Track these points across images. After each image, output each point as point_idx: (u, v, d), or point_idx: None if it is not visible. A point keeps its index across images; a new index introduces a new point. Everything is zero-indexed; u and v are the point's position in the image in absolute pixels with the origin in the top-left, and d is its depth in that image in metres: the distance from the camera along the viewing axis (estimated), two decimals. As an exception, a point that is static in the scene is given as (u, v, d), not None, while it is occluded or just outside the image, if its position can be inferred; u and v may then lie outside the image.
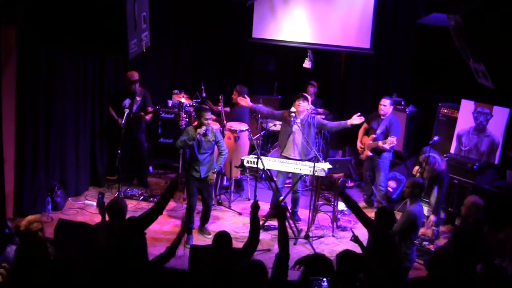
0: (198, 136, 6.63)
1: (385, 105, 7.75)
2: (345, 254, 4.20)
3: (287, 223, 6.95)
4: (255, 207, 4.95)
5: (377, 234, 5.06)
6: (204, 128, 6.62)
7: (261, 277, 4.01)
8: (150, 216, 5.13)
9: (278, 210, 5.09)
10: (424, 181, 6.37)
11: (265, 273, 4.04)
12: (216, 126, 7.58)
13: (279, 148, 7.54)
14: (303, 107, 7.20)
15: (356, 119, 7.20)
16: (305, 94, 7.44)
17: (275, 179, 7.34)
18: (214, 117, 7.76)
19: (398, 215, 5.88)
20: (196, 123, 6.76)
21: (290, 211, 7.31)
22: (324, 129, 7.36)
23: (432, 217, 7.19)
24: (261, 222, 7.16)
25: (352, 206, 5.56)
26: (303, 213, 7.59)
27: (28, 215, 4.87)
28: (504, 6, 4.73)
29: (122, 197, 7.41)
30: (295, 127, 7.18)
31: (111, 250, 4.41)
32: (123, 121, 7.54)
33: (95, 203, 7.67)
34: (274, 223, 7.31)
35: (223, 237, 4.50)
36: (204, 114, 6.67)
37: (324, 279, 3.90)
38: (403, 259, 5.35)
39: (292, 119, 7.17)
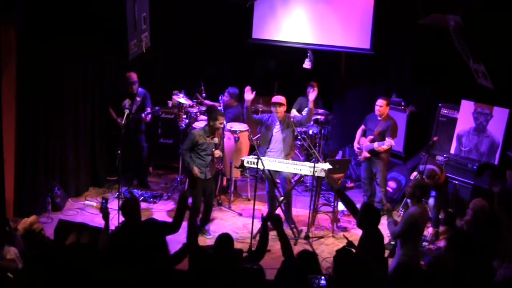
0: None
1: (381, 106, 7.70)
2: (343, 254, 4.21)
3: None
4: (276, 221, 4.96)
5: (364, 231, 5.10)
6: (216, 139, 6.69)
7: (258, 280, 4.01)
8: (166, 228, 5.13)
9: (273, 220, 5.07)
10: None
11: (263, 276, 4.04)
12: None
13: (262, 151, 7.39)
14: (281, 112, 7.16)
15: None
16: (280, 100, 7.23)
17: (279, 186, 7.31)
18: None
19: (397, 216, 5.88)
20: (201, 124, 6.69)
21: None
22: (301, 124, 7.31)
23: (431, 230, 7.18)
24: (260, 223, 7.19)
25: (349, 204, 5.58)
26: (303, 213, 7.58)
27: (28, 217, 4.87)
28: (503, 7, 4.75)
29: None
30: (276, 129, 7.18)
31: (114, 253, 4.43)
32: (123, 121, 7.55)
33: (95, 203, 7.69)
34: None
35: (225, 239, 4.52)
36: (220, 118, 6.67)
37: (323, 277, 3.90)
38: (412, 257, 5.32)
39: (271, 122, 7.19)
